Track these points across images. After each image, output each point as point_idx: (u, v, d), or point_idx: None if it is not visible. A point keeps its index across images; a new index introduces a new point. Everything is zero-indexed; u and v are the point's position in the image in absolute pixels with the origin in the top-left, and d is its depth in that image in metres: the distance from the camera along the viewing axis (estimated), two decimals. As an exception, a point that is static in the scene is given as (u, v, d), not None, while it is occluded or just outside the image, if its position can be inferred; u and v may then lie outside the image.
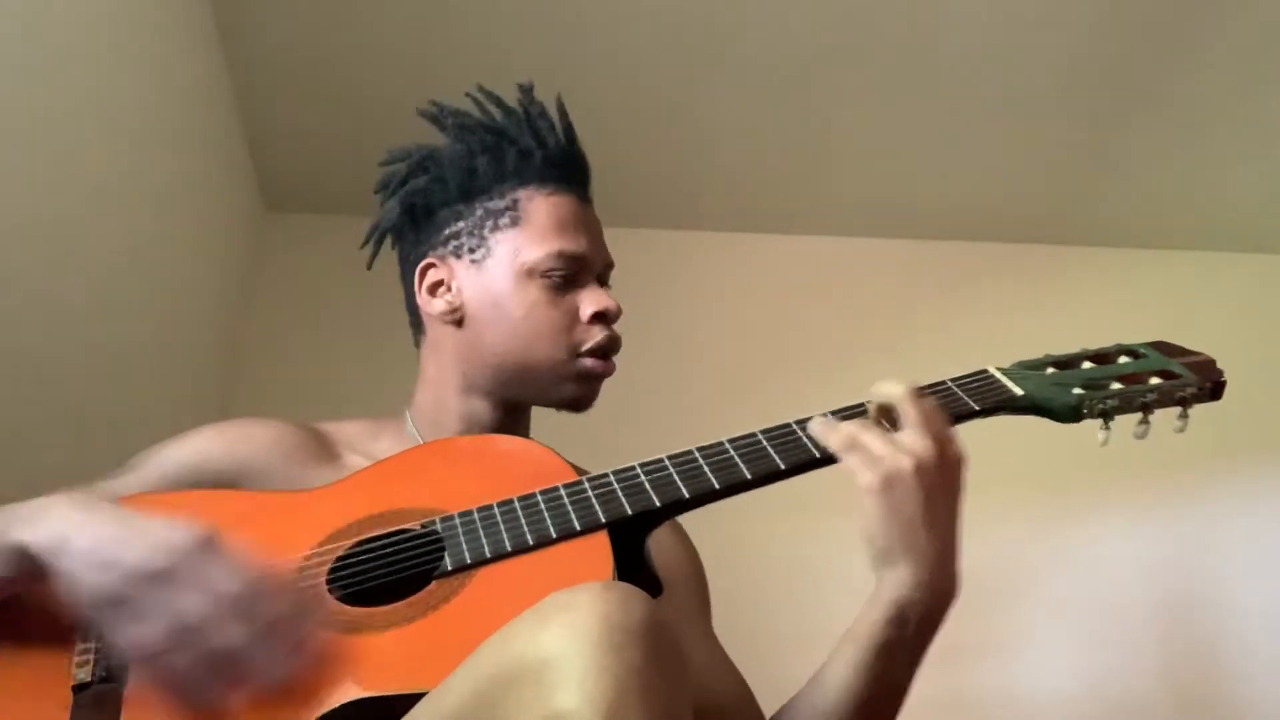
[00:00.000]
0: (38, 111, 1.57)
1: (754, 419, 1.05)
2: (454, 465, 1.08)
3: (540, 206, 1.23)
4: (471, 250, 1.23)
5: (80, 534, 0.86)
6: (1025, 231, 2.76)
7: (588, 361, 1.20)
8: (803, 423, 1.02)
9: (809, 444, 1.00)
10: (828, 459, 1.00)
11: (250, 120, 2.42)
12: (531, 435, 1.26)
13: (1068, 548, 2.48)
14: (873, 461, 0.96)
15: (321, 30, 2.22)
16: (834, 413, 1.03)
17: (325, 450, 1.18)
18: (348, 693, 0.85)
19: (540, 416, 1.28)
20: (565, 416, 1.26)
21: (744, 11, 2.20)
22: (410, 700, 0.81)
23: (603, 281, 1.25)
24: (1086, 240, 2.80)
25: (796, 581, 2.37)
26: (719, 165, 2.58)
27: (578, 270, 1.22)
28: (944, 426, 0.99)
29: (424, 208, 1.26)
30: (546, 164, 1.25)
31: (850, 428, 0.99)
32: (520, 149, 1.25)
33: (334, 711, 0.84)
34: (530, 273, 1.20)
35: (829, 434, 0.99)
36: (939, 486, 0.95)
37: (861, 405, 1.03)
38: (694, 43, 2.27)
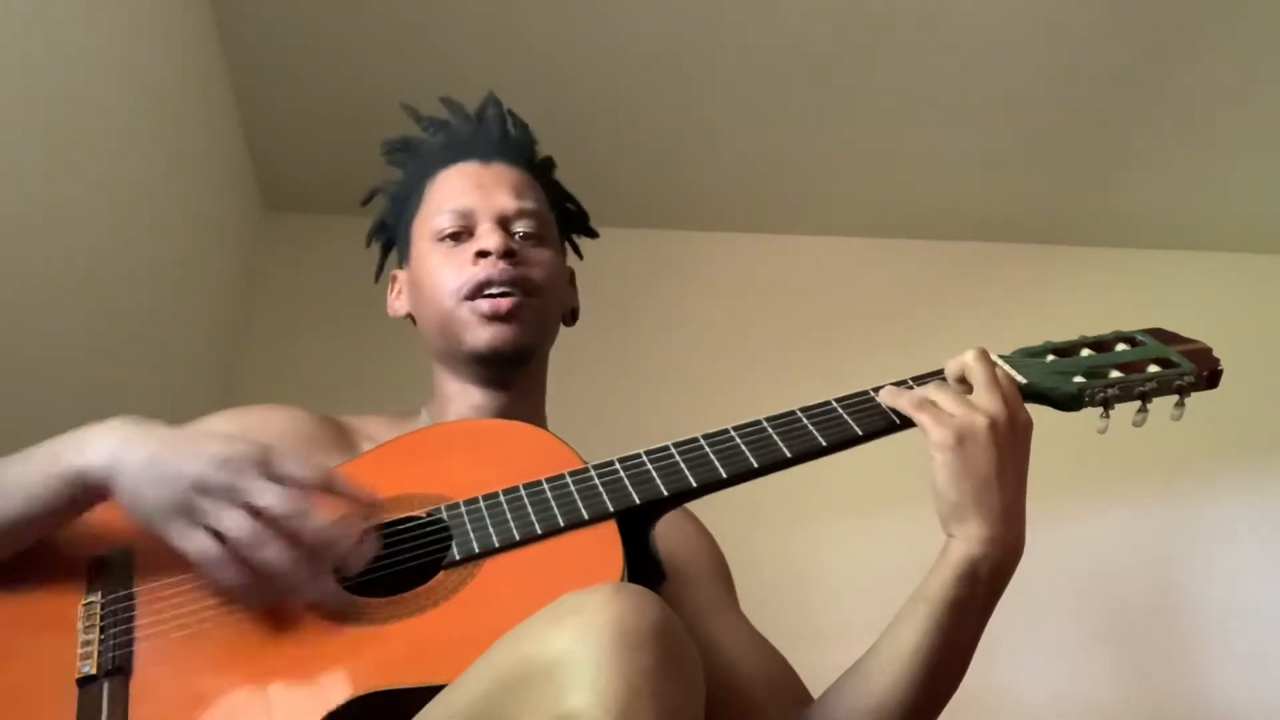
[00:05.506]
0: (37, 111, 1.57)
1: (755, 417, 1.04)
2: (457, 450, 1.07)
3: (437, 184, 1.27)
4: (405, 252, 1.29)
5: (132, 451, 0.90)
6: (1024, 231, 2.76)
7: (472, 302, 1.18)
8: (808, 408, 1.02)
9: (814, 432, 1.00)
10: (817, 453, 1.00)
11: (250, 120, 2.42)
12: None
13: (1047, 548, 2.47)
14: (945, 418, 0.96)
15: (322, 30, 2.22)
16: (912, 379, 1.04)
17: (343, 440, 1.18)
18: (357, 686, 0.84)
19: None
20: (564, 414, 1.26)
21: (744, 12, 2.20)
22: (420, 693, 0.80)
23: (505, 227, 1.21)
24: (1086, 240, 2.79)
25: (795, 580, 2.36)
26: (719, 165, 2.57)
27: (467, 223, 1.22)
28: (1014, 391, 1.00)
29: (388, 240, 1.34)
30: (448, 147, 1.28)
31: (922, 389, 1.00)
32: (426, 147, 1.30)
33: (343, 706, 0.83)
34: (430, 241, 1.23)
35: (899, 396, 1.00)
36: (1010, 445, 0.97)
37: (938, 371, 1.04)
38: (694, 42, 2.26)
